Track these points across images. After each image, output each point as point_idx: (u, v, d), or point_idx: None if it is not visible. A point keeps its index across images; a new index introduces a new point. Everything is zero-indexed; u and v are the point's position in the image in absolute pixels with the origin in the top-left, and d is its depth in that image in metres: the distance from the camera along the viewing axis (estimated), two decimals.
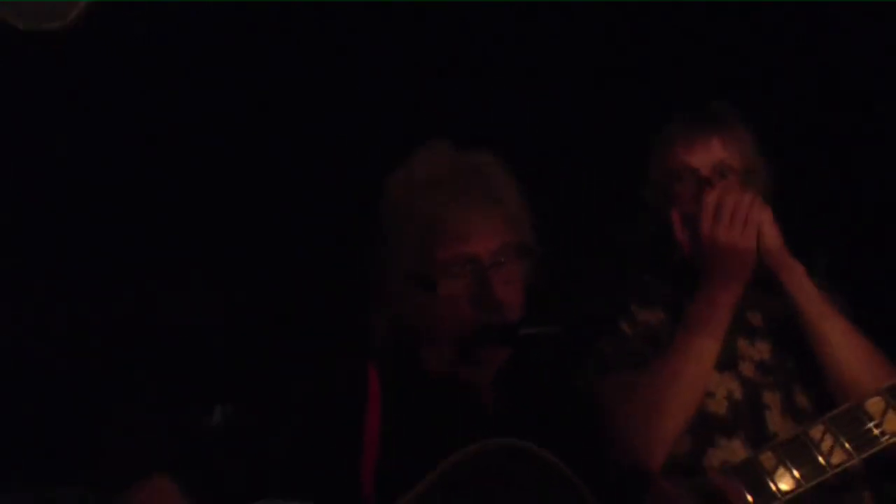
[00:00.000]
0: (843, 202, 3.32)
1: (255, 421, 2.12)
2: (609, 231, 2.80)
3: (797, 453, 2.13)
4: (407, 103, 3.32)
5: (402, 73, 3.39)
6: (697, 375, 2.32)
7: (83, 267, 3.18)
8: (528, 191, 2.23)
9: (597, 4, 3.35)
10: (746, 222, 2.34)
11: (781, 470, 2.11)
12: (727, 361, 2.40)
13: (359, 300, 2.25)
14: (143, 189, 3.25)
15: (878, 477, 2.34)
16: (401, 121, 3.21)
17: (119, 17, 3.05)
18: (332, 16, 3.30)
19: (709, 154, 2.47)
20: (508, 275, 2.15)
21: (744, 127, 2.52)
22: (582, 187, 3.41)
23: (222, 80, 3.27)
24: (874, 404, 2.17)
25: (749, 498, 2.08)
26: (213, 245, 3.27)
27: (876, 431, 2.14)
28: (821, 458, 2.12)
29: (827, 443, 2.13)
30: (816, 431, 2.15)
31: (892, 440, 2.14)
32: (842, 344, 2.35)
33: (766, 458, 2.13)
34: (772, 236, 2.37)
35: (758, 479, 2.10)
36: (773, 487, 2.09)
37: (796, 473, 2.11)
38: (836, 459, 2.12)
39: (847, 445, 2.13)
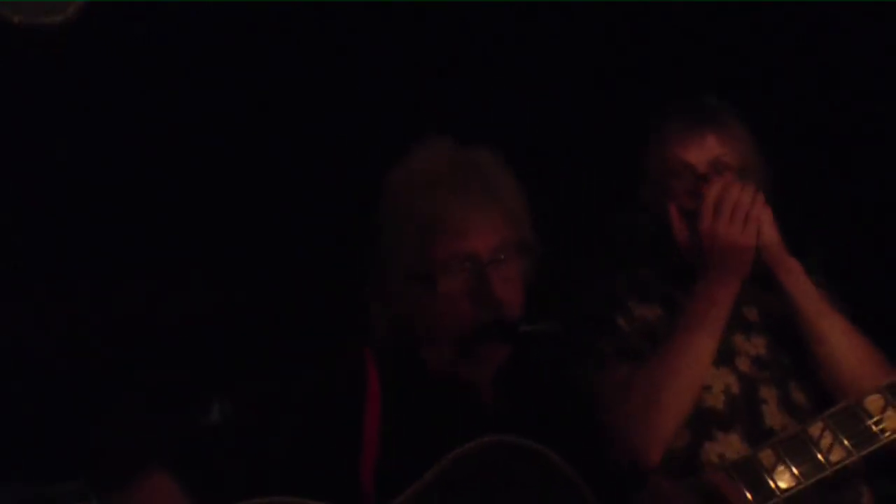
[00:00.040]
0: (841, 201, 3.32)
1: (254, 420, 2.11)
2: (607, 228, 2.80)
3: (796, 451, 2.13)
4: (407, 103, 3.31)
5: (402, 72, 3.38)
6: (695, 371, 2.33)
7: (82, 266, 3.18)
8: (527, 189, 2.23)
9: (597, 4, 3.35)
10: (747, 219, 2.34)
11: (781, 467, 2.12)
12: (724, 356, 2.40)
13: (358, 299, 2.25)
14: (142, 188, 3.24)
15: (878, 474, 2.35)
16: (401, 120, 3.21)
17: (118, 17, 3.05)
18: (332, 16, 3.29)
19: (704, 150, 2.47)
20: (508, 272, 2.15)
21: (740, 124, 2.52)
22: (581, 185, 3.40)
23: (222, 80, 3.27)
24: (873, 402, 2.18)
25: (748, 495, 2.08)
26: (212, 244, 3.27)
27: (875, 429, 2.15)
28: (820, 456, 2.13)
29: (826, 440, 2.14)
30: (815, 429, 2.15)
31: (891, 437, 2.15)
32: (839, 342, 2.36)
33: (766, 455, 2.13)
34: (771, 234, 2.37)
35: (757, 477, 2.10)
36: (773, 485, 2.10)
37: (795, 471, 2.11)
38: (835, 457, 2.13)
39: (846, 443, 2.13)
